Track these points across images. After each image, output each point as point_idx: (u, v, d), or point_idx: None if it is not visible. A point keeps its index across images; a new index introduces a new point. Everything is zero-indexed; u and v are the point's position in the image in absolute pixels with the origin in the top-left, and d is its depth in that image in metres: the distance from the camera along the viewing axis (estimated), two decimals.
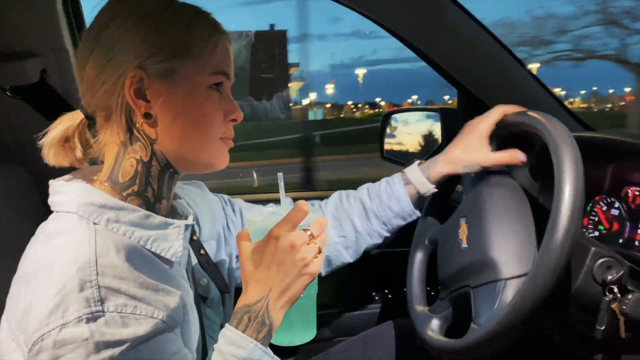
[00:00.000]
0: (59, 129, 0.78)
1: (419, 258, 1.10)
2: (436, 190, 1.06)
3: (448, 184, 1.10)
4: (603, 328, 0.75)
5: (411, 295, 1.06)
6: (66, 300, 0.61)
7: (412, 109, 1.73)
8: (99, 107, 0.75)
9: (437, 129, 1.51)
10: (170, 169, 0.78)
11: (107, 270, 0.64)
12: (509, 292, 0.81)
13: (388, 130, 1.70)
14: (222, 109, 0.78)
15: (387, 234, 1.10)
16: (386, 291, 1.53)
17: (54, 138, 0.77)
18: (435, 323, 0.96)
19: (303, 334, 0.81)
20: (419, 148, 1.61)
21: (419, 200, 1.08)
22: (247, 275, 0.73)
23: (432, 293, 1.11)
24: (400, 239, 1.22)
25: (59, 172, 0.79)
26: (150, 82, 0.72)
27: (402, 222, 1.08)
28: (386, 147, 1.69)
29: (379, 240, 1.10)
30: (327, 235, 0.77)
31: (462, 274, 0.92)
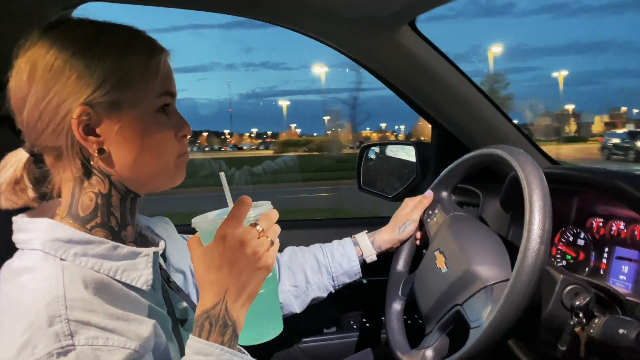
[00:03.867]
0: (7, 172, 0.75)
1: (396, 309, 1.14)
2: (375, 259, 1.18)
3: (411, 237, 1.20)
4: (565, 349, 0.80)
5: (396, 345, 1.08)
6: (35, 337, 0.60)
7: (389, 142, 1.78)
8: (46, 148, 0.73)
9: (412, 162, 1.57)
10: (131, 195, 0.77)
11: (76, 304, 0.63)
12: (498, 294, 0.86)
13: (364, 163, 1.75)
14: (172, 127, 0.76)
15: (332, 290, 1.17)
16: (364, 320, 1.55)
17: (3, 183, 0.74)
18: (429, 355, 0.97)
19: (270, 328, 0.79)
20: (396, 179, 1.66)
21: (362, 264, 1.18)
22: (200, 279, 0.71)
23: (410, 322, 1.14)
24: (376, 269, 1.26)
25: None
26: (98, 117, 0.70)
27: (347, 280, 1.17)
28: (363, 179, 1.74)
29: (324, 294, 1.17)
30: (278, 227, 0.75)
31: (448, 295, 0.95)
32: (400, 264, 1.18)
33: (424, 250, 1.13)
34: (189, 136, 0.79)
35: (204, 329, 0.69)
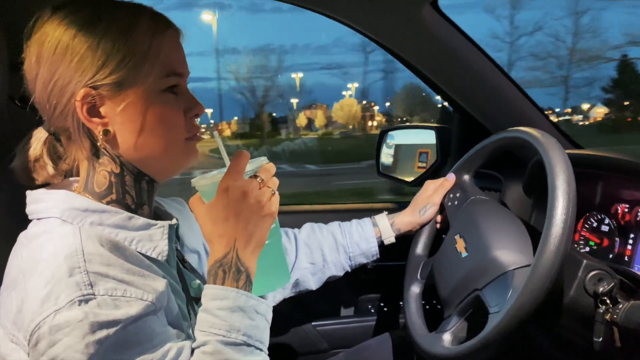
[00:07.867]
0: (29, 150, 0.77)
1: (414, 292, 1.13)
2: (394, 241, 1.17)
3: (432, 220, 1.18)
4: (601, 339, 0.78)
5: (414, 328, 1.07)
6: (57, 288, 0.62)
7: (408, 126, 1.76)
8: (58, 128, 0.75)
9: (433, 146, 1.55)
10: (145, 177, 0.77)
11: (94, 257, 0.65)
12: (518, 280, 0.84)
13: (384, 147, 1.73)
14: (181, 107, 0.76)
15: (348, 269, 1.18)
16: (381, 304, 1.55)
17: (25, 160, 0.77)
18: (447, 339, 0.95)
19: (278, 277, 0.82)
20: (415, 164, 1.64)
21: (379, 246, 1.17)
22: (208, 234, 0.73)
23: (428, 307, 1.14)
24: (394, 253, 1.25)
25: None
26: (101, 98, 0.71)
27: (364, 261, 1.17)
28: (382, 163, 1.72)
29: (341, 273, 1.17)
30: (276, 179, 0.77)
31: (468, 280, 0.94)
32: (420, 247, 1.17)
33: (443, 235, 1.12)
34: (200, 115, 0.79)
35: (217, 277, 0.71)
